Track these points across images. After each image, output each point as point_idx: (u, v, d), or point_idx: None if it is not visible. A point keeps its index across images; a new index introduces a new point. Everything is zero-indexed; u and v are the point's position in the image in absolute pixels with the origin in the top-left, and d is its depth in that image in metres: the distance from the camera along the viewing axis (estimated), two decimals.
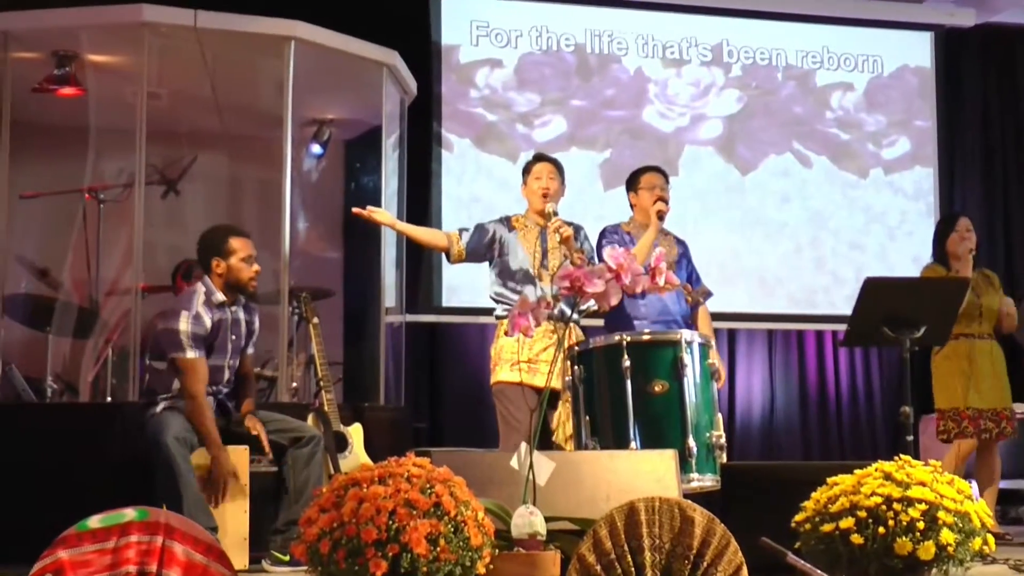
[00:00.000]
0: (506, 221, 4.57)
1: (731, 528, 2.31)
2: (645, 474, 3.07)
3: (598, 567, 2.24)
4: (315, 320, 4.74)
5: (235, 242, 4.15)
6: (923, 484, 2.67)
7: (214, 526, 3.79)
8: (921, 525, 2.61)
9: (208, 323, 4.06)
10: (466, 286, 6.29)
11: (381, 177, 5.96)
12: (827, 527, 2.69)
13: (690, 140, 7.07)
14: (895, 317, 4.15)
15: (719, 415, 4.16)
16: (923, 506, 2.62)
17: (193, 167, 5.90)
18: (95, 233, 5.60)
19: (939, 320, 4.29)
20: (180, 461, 3.80)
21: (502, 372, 4.37)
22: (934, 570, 2.64)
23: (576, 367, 4.16)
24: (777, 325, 7.15)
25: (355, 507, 2.12)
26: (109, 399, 5.25)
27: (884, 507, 2.64)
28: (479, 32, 6.80)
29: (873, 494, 2.67)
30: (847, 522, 2.65)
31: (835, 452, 7.11)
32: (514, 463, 2.47)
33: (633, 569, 2.25)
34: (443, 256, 4.65)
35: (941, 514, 2.62)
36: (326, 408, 4.53)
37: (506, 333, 4.31)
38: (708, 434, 4.04)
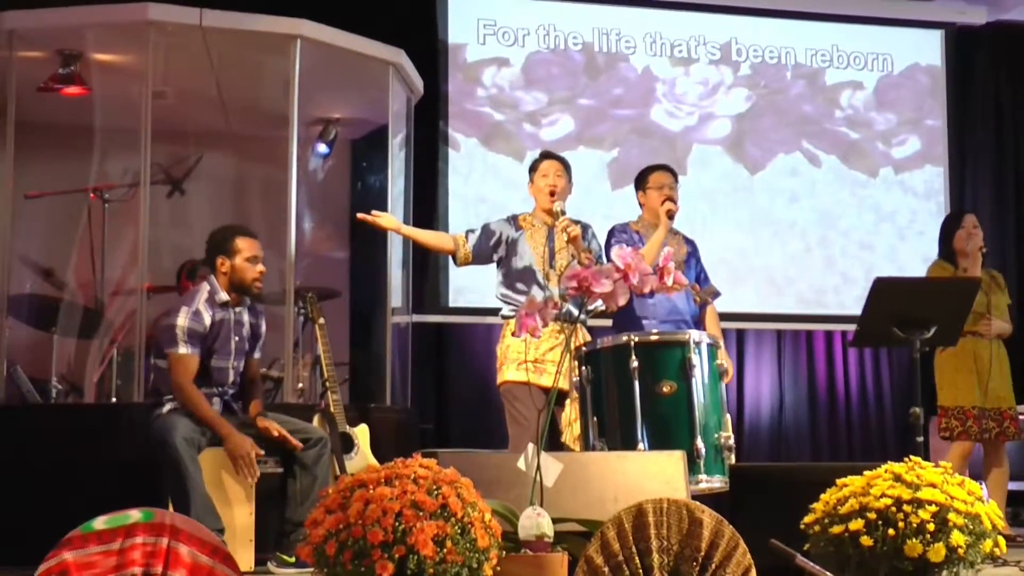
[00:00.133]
0: (513, 220, 4.55)
1: (740, 530, 2.30)
2: (653, 475, 3.06)
3: (606, 569, 2.23)
4: (321, 320, 4.73)
5: (241, 242, 4.14)
6: (933, 486, 2.65)
7: (221, 527, 3.78)
8: (931, 527, 2.58)
9: (207, 321, 4.05)
10: (473, 286, 6.28)
11: (387, 177, 5.95)
12: (836, 529, 2.67)
13: (698, 139, 7.05)
14: (905, 317, 4.14)
15: (728, 416, 4.14)
16: (933, 508, 2.60)
17: (198, 166, 5.89)
18: (100, 233, 5.60)
19: (949, 320, 4.27)
20: (188, 462, 3.80)
21: (508, 372, 4.36)
22: (944, 572, 2.62)
23: (584, 368, 4.15)
24: (786, 325, 7.12)
25: (361, 508, 2.11)
26: (114, 400, 5.25)
27: (894, 509, 2.62)
28: (486, 31, 6.78)
29: (883, 496, 2.65)
30: (856, 524, 2.63)
31: (844, 453, 7.09)
32: (521, 464, 2.47)
33: (641, 571, 2.24)
34: (450, 257, 4.64)
35: (952, 516, 2.59)
36: (332, 409, 4.52)
37: (513, 334, 4.25)
38: (716, 435, 4.03)
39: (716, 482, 3.97)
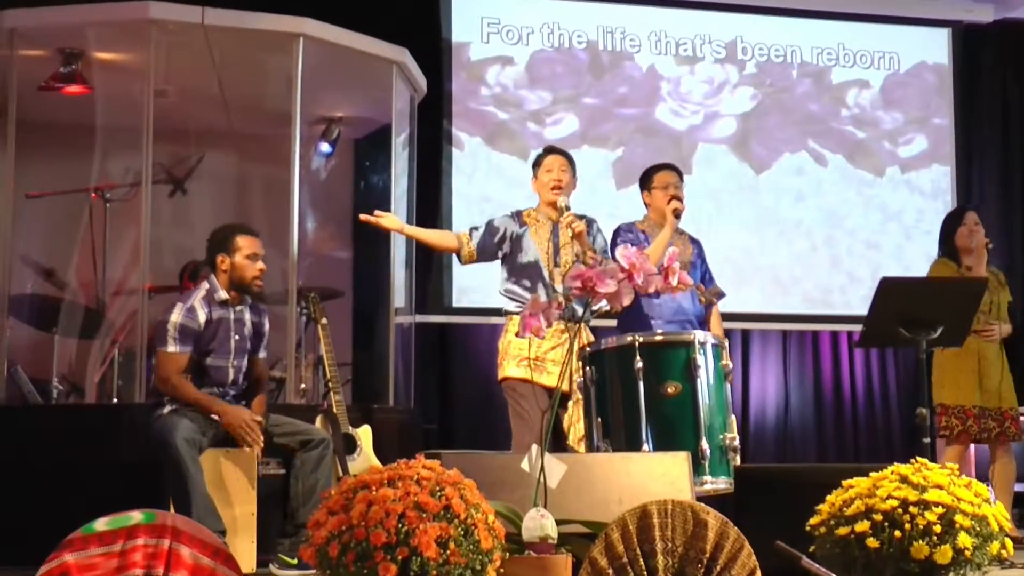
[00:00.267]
0: (517, 216, 4.54)
1: (745, 531, 2.29)
2: (658, 477, 3.06)
3: (610, 571, 2.22)
4: (324, 321, 4.73)
5: (241, 240, 4.14)
6: (940, 487, 2.65)
7: (222, 529, 3.77)
8: (938, 529, 2.57)
9: (202, 318, 4.05)
10: (477, 286, 6.26)
11: (391, 176, 5.95)
12: (842, 530, 2.66)
13: (704, 138, 7.04)
14: (912, 317, 4.13)
15: (733, 417, 4.13)
16: (940, 509, 2.59)
17: (200, 166, 5.89)
18: (101, 233, 5.59)
19: (956, 321, 4.26)
20: (189, 463, 3.79)
21: (509, 368, 4.36)
22: (951, 574, 2.60)
23: (588, 368, 4.14)
24: (792, 325, 7.11)
25: (364, 510, 2.10)
26: (115, 400, 5.24)
27: (900, 510, 2.61)
28: (490, 29, 6.77)
29: (889, 497, 2.64)
30: (863, 525, 2.62)
31: (850, 454, 7.07)
32: (525, 465, 2.46)
33: (646, 573, 2.24)
34: (454, 256, 4.63)
35: (958, 518, 2.59)
36: (335, 410, 4.51)
37: (517, 334, 4.28)
38: (722, 436, 4.02)
39: (721, 483, 3.96)
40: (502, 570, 2.20)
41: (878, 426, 7.20)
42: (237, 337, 4.15)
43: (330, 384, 4.55)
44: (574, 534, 2.48)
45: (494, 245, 4.48)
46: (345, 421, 4.52)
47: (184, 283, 5.56)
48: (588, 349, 4.18)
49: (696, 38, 7.07)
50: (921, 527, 2.57)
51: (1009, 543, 2.72)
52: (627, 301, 2.45)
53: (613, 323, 4.71)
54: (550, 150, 4.61)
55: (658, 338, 4.12)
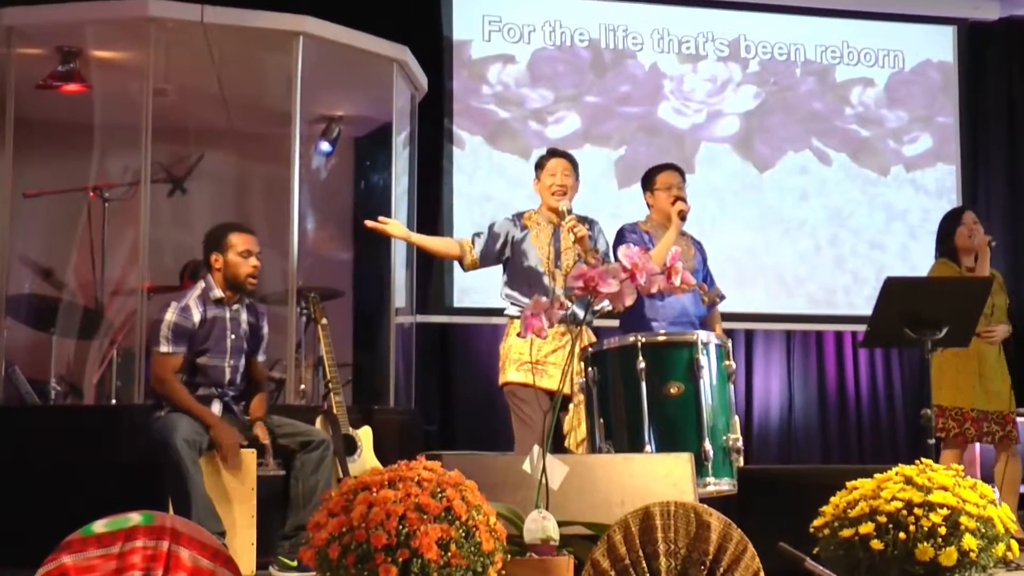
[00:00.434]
0: (518, 219, 4.52)
1: (748, 533, 2.29)
2: (660, 478, 3.06)
3: (612, 573, 2.23)
4: (324, 321, 4.72)
5: (234, 237, 4.14)
6: (945, 488, 2.64)
7: (222, 531, 3.76)
8: (943, 530, 2.57)
9: (197, 317, 4.04)
10: (478, 286, 6.24)
11: (391, 175, 5.94)
12: (846, 532, 2.65)
13: (706, 137, 7.02)
14: (916, 318, 4.12)
15: (736, 418, 4.13)
16: (945, 511, 2.58)
17: (200, 165, 5.88)
18: (100, 232, 5.58)
19: (961, 321, 4.24)
20: (189, 464, 3.77)
21: (510, 372, 4.36)
22: None
23: (590, 369, 4.14)
24: (796, 326, 7.09)
25: (365, 511, 2.09)
26: (114, 401, 5.23)
27: (905, 512, 2.60)
28: (491, 27, 6.76)
29: (894, 499, 2.63)
30: (867, 527, 2.61)
31: (855, 455, 7.06)
32: (526, 467, 2.46)
33: (648, 575, 2.23)
34: (457, 262, 4.63)
35: (963, 519, 2.58)
36: (335, 411, 4.51)
37: (519, 335, 4.26)
38: (725, 437, 4.01)
39: (724, 485, 3.95)
40: (503, 572, 2.19)
41: (882, 427, 7.19)
42: (233, 336, 4.13)
43: (330, 385, 4.54)
44: (576, 536, 2.48)
45: (496, 252, 4.47)
46: (345, 422, 4.51)
47: (184, 283, 5.57)
48: (590, 349, 4.17)
49: (699, 36, 7.05)
50: (926, 529, 2.56)
51: (1015, 545, 2.70)
52: (629, 301, 2.44)
53: (615, 323, 4.69)
54: (554, 153, 4.58)
55: (661, 338, 4.11)
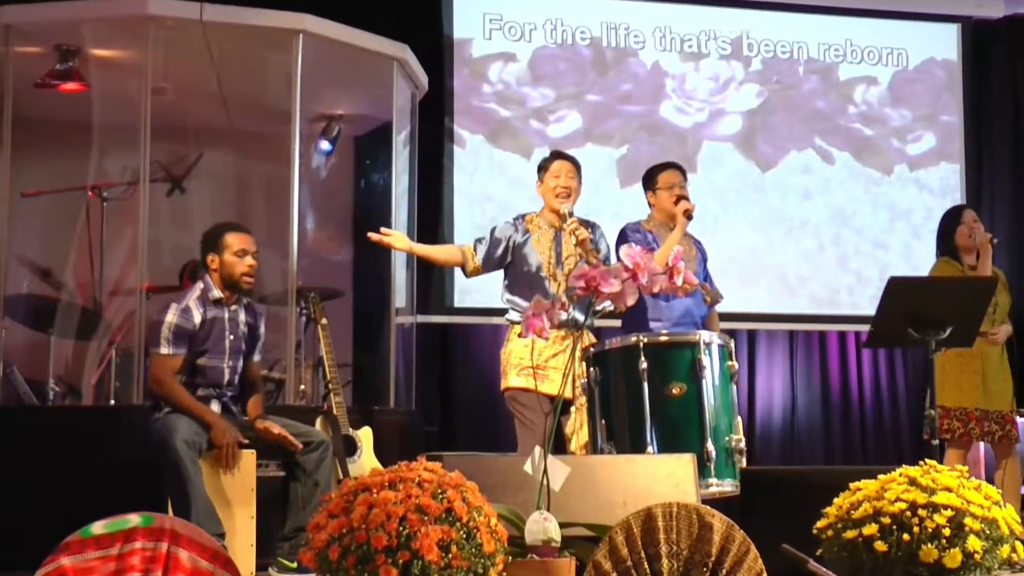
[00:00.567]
0: (520, 221, 4.51)
1: (751, 535, 2.28)
2: (662, 479, 3.04)
3: (614, 574, 2.21)
4: (324, 321, 4.72)
5: (230, 237, 4.14)
6: (949, 490, 2.62)
7: (222, 532, 3.75)
8: (947, 532, 2.54)
9: (197, 319, 4.04)
10: (479, 287, 6.19)
11: (391, 174, 5.92)
12: (850, 534, 2.63)
13: (709, 136, 7.00)
14: (920, 318, 4.11)
15: (739, 418, 4.13)
16: (949, 512, 2.56)
17: (199, 164, 5.87)
18: (99, 232, 5.57)
19: (966, 321, 4.24)
20: (189, 465, 3.77)
21: (511, 378, 4.36)
22: None
23: (592, 369, 4.14)
24: (799, 326, 7.07)
25: (365, 513, 2.08)
26: (112, 402, 5.21)
27: (909, 513, 2.58)
28: (492, 25, 6.73)
29: (897, 500, 2.61)
30: (870, 528, 2.59)
31: (858, 456, 7.03)
32: (528, 468, 2.44)
33: None
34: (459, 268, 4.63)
35: (968, 520, 2.55)
36: (335, 411, 4.51)
37: (520, 335, 4.28)
38: (727, 438, 4.01)
39: (727, 486, 3.96)
40: (505, 574, 2.18)
41: (886, 428, 7.16)
42: (232, 337, 4.13)
43: (330, 385, 4.54)
44: (577, 537, 2.47)
45: (498, 258, 4.46)
46: (345, 423, 4.51)
47: (184, 283, 5.57)
48: (592, 350, 4.17)
49: (701, 34, 7.02)
50: (930, 530, 2.54)
51: (1020, 546, 2.68)
52: (631, 301, 2.43)
53: (617, 324, 4.68)
54: (557, 155, 4.57)
55: (663, 339, 4.11)
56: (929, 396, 4.33)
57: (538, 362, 4.26)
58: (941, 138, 7.27)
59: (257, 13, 5.31)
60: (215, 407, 4.05)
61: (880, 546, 2.55)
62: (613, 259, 4.44)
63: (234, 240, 4.12)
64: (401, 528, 2.05)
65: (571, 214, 4.32)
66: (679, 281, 2.46)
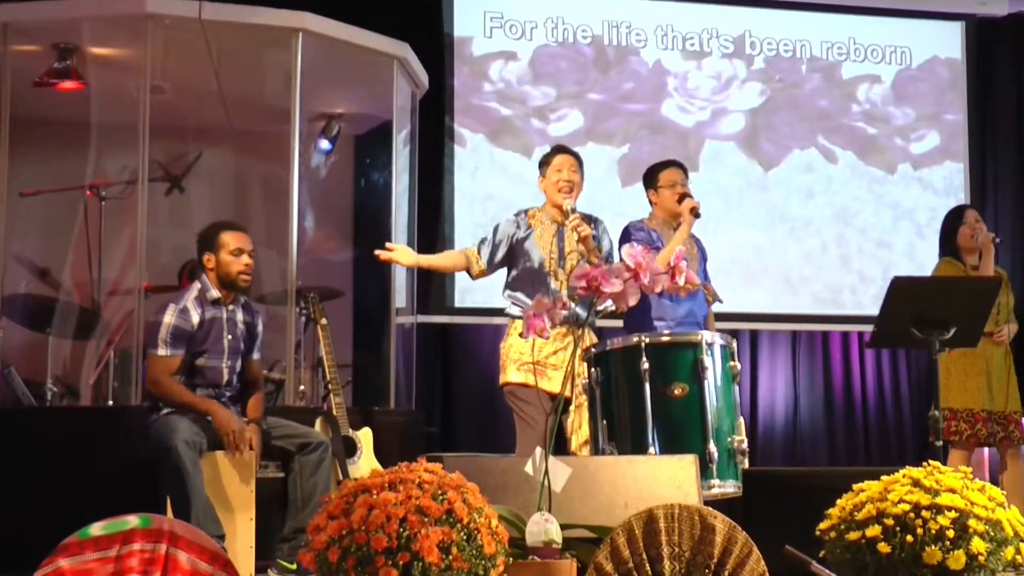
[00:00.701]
0: (522, 217, 4.49)
1: (753, 536, 2.28)
2: (664, 480, 3.03)
3: None
4: (324, 321, 4.72)
5: (225, 236, 4.14)
6: (953, 491, 2.59)
7: (221, 534, 3.75)
8: (951, 533, 2.51)
9: (195, 319, 4.04)
10: (479, 286, 6.09)
11: (392, 173, 5.91)
12: (853, 535, 2.60)
13: (711, 135, 6.98)
14: (924, 318, 4.10)
15: (741, 419, 4.12)
16: (953, 514, 2.53)
17: (198, 163, 5.88)
18: (97, 231, 5.56)
19: (970, 321, 4.22)
20: (189, 466, 3.76)
21: (510, 373, 4.34)
22: None
23: (593, 369, 4.13)
24: (801, 326, 7.05)
25: (365, 514, 2.07)
26: (111, 403, 5.20)
27: (912, 515, 2.55)
28: (493, 24, 6.72)
29: (901, 501, 2.58)
30: (874, 530, 2.56)
31: (861, 457, 7.02)
32: (529, 469, 2.45)
33: None
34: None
35: (972, 522, 2.52)
36: (335, 412, 4.50)
37: (521, 335, 4.25)
38: (729, 439, 4.01)
39: (729, 487, 3.96)
40: (505, 575, 2.17)
41: (889, 428, 7.14)
42: (230, 337, 4.12)
43: (330, 386, 4.54)
44: (579, 539, 2.46)
45: (502, 258, 4.45)
46: (345, 423, 4.51)
47: (183, 283, 5.55)
48: (593, 350, 4.16)
49: (703, 32, 7.01)
50: (934, 532, 2.51)
51: None
52: (633, 301, 2.42)
53: (619, 324, 4.66)
54: (559, 149, 4.56)
55: (665, 339, 4.09)
56: (938, 396, 4.31)
57: (538, 358, 4.25)
58: (945, 137, 7.25)
59: (256, 11, 5.30)
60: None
61: (883, 548, 2.53)
62: (615, 255, 4.43)
63: (230, 239, 4.11)
64: (401, 530, 2.04)
65: (573, 210, 4.31)
66: (681, 281, 2.45)
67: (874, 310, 4.42)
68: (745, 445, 4.02)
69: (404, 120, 6.04)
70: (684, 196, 4.48)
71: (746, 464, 4.00)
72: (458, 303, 6.48)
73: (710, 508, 2.30)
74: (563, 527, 2.36)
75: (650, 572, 2.21)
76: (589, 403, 4.14)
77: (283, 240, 5.19)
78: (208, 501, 3.78)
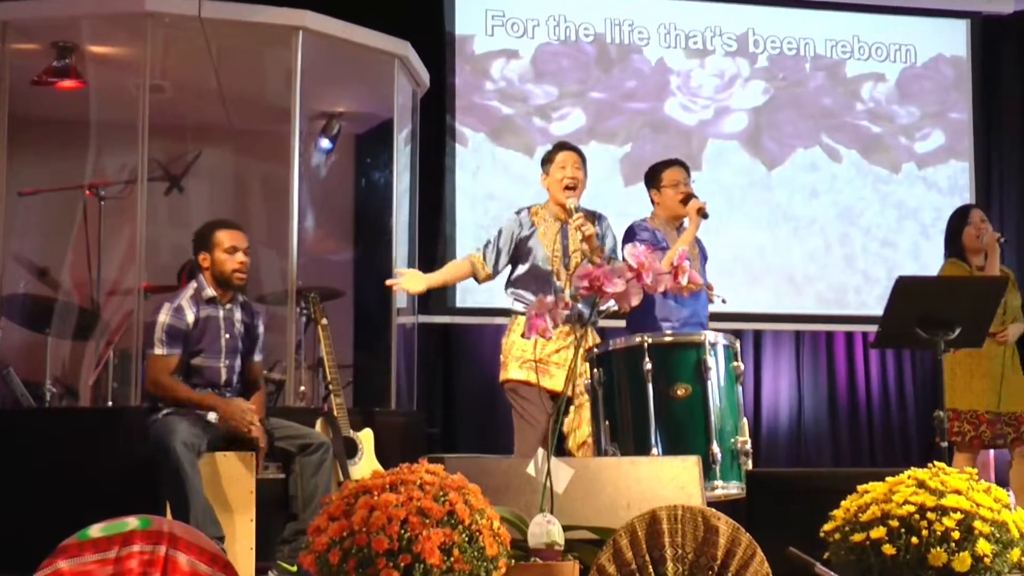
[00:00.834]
0: (525, 215, 4.48)
1: (757, 538, 2.28)
2: (667, 481, 3.04)
3: None
4: (324, 321, 4.72)
5: (220, 234, 4.14)
6: (958, 492, 2.56)
7: (221, 535, 3.75)
8: (956, 535, 2.48)
9: (191, 318, 4.04)
10: (481, 286, 6.13)
11: (393, 172, 5.91)
12: (857, 537, 2.57)
13: (714, 134, 6.96)
14: (929, 318, 4.08)
15: (744, 420, 4.10)
16: (958, 515, 2.50)
17: (197, 162, 5.87)
18: (96, 231, 5.56)
19: (975, 321, 4.19)
20: (188, 467, 3.76)
21: (512, 370, 4.33)
22: None
23: (595, 370, 4.12)
24: (805, 326, 7.03)
25: (366, 516, 2.06)
26: (110, 403, 5.20)
27: (917, 516, 2.52)
28: (494, 22, 6.70)
29: (906, 502, 2.55)
30: (878, 532, 2.53)
31: (866, 458, 7.01)
32: (531, 470, 2.44)
33: None
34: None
35: (977, 524, 2.49)
36: (335, 413, 4.50)
37: (523, 335, 4.20)
38: (733, 440, 4.00)
39: (732, 488, 3.95)
40: None
41: (894, 429, 7.13)
42: (228, 336, 4.12)
43: (331, 386, 4.54)
44: (581, 540, 2.46)
45: (505, 263, 4.45)
46: (346, 424, 4.51)
47: (182, 283, 5.51)
48: (596, 350, 4.15)
49: (706, 30, 6.99)
50: (939, 533, 2.48)
51: None
52: (635, 301, 2.42)
53: (622, 324, 4.65)
54: (562, 146, 4.55)
55: (667, 339, 4.08)
56: (943, 397, 4.28)
57: (540, 356, 4.24)
58: (950, 136, 7.23)
59: (256, 9, 5.29)
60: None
61: (888, 549, 2.50)
62: (619, 252, 4.43)
63: (224, 237, 4.12)
64: (403, 531, 2.03)
65: (577, 209, 4.29)
66: (684, 281, 2.44)
67: (878, 310, 4.41)
68: (748, 446, 4.00)
69: (405, 119, 6.03)
70: (689, 197, 4.47)
71: (749, 465, 3.99)
72: (459, 303, 6.46)
73: (713, 509, 2.30)
74: (565, 528, 2.35)
75: (653, 574, 2.20)
76: (591, 403, 4.13)
77: (283, 240, 5.19)
78: (207, 502, 3.78)
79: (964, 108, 7.27)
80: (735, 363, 4.09)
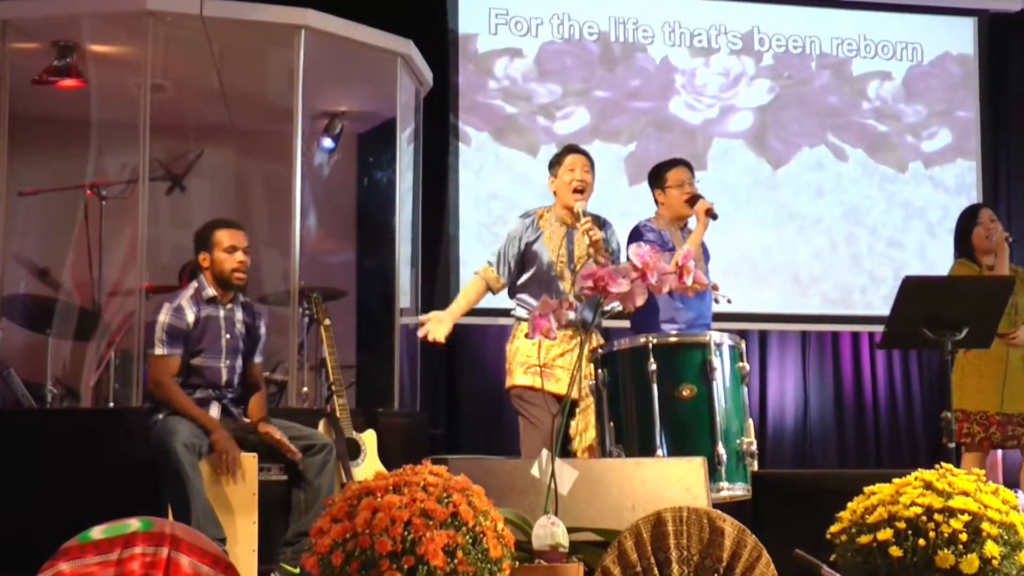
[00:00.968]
0: (531, 219, 4.46)
1: (763, 539, 2.29)
2: (672, 483, 3.04)
3: None
4: (327, 322, 4.72)
5: (220, 234, 4.16)
6: (966, 494, 2.55)
7: (223, 537, 3.75)
8: (964, 537, 2.47)
9: (191, 318, 4.04)
10: None
11: (395, 172, 5.91)
12: (864, 539, 2.56)
13: (719, 133, 6.95)
14: (935, 318, 4.08)
15: (750, 421, 4.11)
16: (966, 517, 2.49)
17: (199, 162, 5.87)
18: (97, 231, 5.56)
19: (982, 321, 4.19)
20: (189, 468, 3.77)
21: (517, 376, 4.32)
22: None
23: (600, 371, 4.12)
24: (811, 326, 7.02)
25: (369, 517, 2.06)
26: (111, 404, 5.20)
27: (924, 518, 2.51)
28: (498, 20, 6.69)
29: (913, 504, 2.54)
30: (885, 534, 2.52)
31: (872, 460, 7.00)
32: (535, 471, 2.44)
33: None
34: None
35: (985, 525, 2.48)
36: (338, 414, 4.51)
37: (527, 336, 4.22)
38: (738, 441, 3.99)
39: (738, 490, 3.96)
40: None
41: (901, 430, 7.12)
42: (228, 336, 4.12)
43: (333, 387, 4.55)
44: (586, 542, 2.46)
45: (516, 272, 4.43)
46: (349, 425, 4.50)
47: (183, 283, 5.51)
48: (600, 351, 4.15)
49: (711, 29, 6.98)
50: (946, 535, 2.48)
51: None
52: (640, 302, 2.41)
53: (626, 324, 4.64)
54: (571, 149, 4.53)
55: (672, 339, 4.09)
56: (951, 398, 4.26)
57: (545, 360, 4.23)
58: (957, 134, 7.22)
59: (258, 8, 5.30)
60: (215, 409, 4.04)
61: (895, 551, 2.49)
62: (623, 256, 4.39)
63: (224, 236, 4.12)
64: (406, 533, 2.03)
65: (585, 213, 4.27)
66: (689, 281, 2.43)
67: (885, 310, 4.40)
68: (754, 447, 4.00)
69: (408, 118, 6.02)
70: (695, 197, 4.45)
71: (755, 466, 3.99)
72: None
73: (719, 511, 2.29)
74: (570, 530, 2.34)
75: None
76: (596, 404, 4.13)
77: (285, 240, 5.19)
78: (208, 504, 3.78)
79: (971, 106, 7.26)
80: (740, 364, 4.08)
